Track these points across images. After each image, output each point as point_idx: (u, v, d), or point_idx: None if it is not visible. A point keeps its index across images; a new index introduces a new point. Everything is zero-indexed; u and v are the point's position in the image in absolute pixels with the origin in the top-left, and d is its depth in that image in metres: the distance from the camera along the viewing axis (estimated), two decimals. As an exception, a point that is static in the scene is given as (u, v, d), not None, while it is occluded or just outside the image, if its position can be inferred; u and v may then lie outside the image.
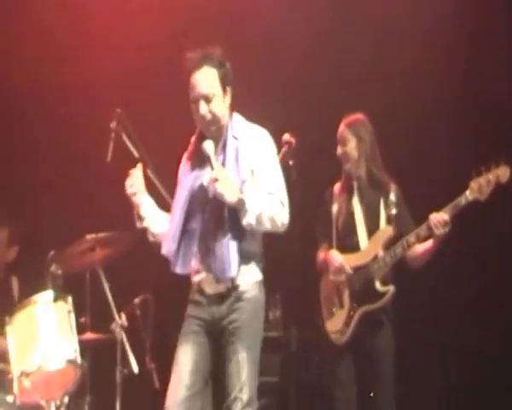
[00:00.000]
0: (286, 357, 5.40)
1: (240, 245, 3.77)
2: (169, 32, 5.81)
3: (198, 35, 5.45)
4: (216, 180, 3.72)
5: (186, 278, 3.93)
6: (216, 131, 3.83)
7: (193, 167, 3.90)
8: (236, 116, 3.91)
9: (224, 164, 3.81)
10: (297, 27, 5.78)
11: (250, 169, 3.82)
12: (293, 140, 4.46)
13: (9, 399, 4.45)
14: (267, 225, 3.78)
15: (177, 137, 4.19)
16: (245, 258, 3.79)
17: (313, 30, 5.76)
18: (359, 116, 4.74)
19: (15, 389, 4.40)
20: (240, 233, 3.77)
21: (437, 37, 5.62)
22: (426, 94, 5.64)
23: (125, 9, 5.85)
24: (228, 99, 3.84)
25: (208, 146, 3.78)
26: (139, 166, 3.95)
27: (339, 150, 4.69)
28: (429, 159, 5.58)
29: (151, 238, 3.98)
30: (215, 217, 3.78)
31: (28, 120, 5.86)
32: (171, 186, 4.15)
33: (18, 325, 4.52)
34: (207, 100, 3.77)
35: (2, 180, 5.84)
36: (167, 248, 3.84)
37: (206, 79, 3.77)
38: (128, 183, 3.90)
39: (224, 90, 3.82)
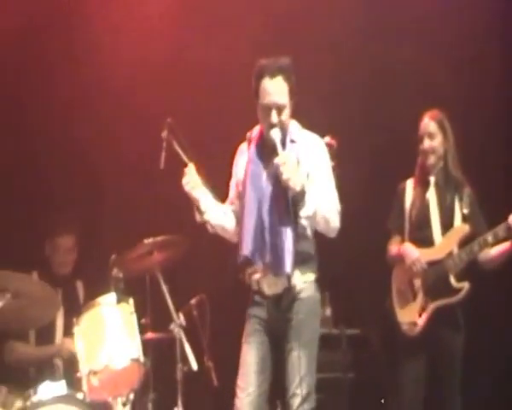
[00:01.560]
0: (337, 354, 5.77)
1: (295, 244, 4.13)
2: (216, 40, 6.22)
3: (240, 40, 6.03)
4: (283, 164, 4.04)
5: (238, 278, 4.34)
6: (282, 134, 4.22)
7: (259, 163, 4.27)
8: (293, 122, 4.30)
9: (275, 166, 4.13)
10: (337, 26, 6.14)
11: (306, 172, 4.18)
12: (334, 142, 4.73)
13: (79, 396, 4.81)
14: (321, 224, 4.17)
15: (225, 142, 4.68)
16: (300, 258, 4.17)
17: (353, 29, 6.11)
18: (440, 112, 5.05)
19: (84, 387, 4.80)
20: (297, 231, 4.13)
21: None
22: (484, 92, 5.92)
23: (172, 19, 6.22)
24: (290, 111, 4.25)
25: (275, 134, 4.15)
26: (190, 165, 4.40)
27: (426, 144, 4.98)
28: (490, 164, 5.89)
29: (210, 229, 4.42)
30: (280, 212, 4.13)
31: (85, 129, 6.26)
32: (220, 190, 4.55)
33: (85, 326, 4.93)
34: (279, 110, 4.19)
35: (69, 188, 6.27)
36: (247, 250, 4.17)
37: (280, 90, 4.18)
38: (184, 181, 4.32)
39: (291, 101, 4.23)
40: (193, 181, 4.33)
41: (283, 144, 4.18)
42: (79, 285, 5.83)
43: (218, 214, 4.39)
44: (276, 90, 4.17)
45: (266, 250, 4.15)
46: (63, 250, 5.70)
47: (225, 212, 4.41)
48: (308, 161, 4.21)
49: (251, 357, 4.23)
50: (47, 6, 6.12)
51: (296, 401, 4.14)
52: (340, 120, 5.67)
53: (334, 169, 4.54)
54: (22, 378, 5.39)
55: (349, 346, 5.79)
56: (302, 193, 4.07)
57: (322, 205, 4.14)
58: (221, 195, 4.55)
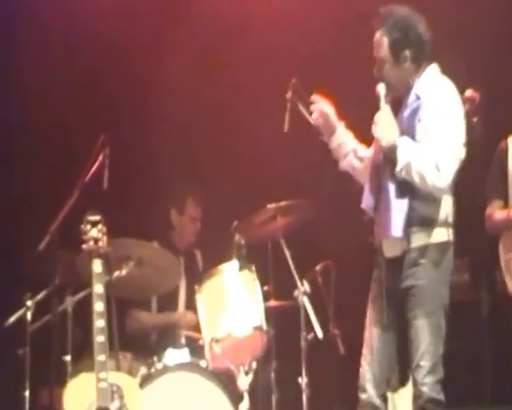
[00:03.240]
0: (476, 322, 5.83)
1: (411, 205, 4.19)
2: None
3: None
4: (375, 123, 4.22)
5: (367, 243, 4.44)
6: (397, 92, 4.36)
7: None
8: (428, 71, 4.36)
9: (402, 122, 4.29)
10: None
11: (425, 129, 4.23)
12: (476, 96, 4.70)
13: (203, 364, 5.09)
14: (416, 179, 4.17)
15: (354, 104, 4.82)
16: (420, 221, 4.21)
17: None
18: None
19: (207, 355, 5.04)
20: (411, 192, 4.19)
21: None
22: None
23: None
24: (406, 64, 4.31)
25: (380, 88, 4.30)
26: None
27: None
28: None
29: (342, 165, 4.54)
30: (389, 172, 4.23)
31: (206, 97, 6.55)
32: None
33: (207, 293, 5.16)
34: (379, 64, 4.34)
35: (189, 155, 6.60)
36: (365, 203, 4.35)
37: (378, 44, 4.32)
38: (316, 107, 4.46)
39: (396, 57, 4.30)
40: (323, 108, 4.47)
41: (407, 100, 4.27)
42: (198, 254, 6.10)
43: (350, 146, 4.52)
44: (375, 43, 4.33)
45: (379, 211, 4.27)
46: (193, 221, 5.98)
47: (357, 149, 4.53)
48: (428, 117, 4.26)
49: (373, 324, 4.34)
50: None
51: (420, 374, 4.20)
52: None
53: (476, 125, 4.65)
54: (144, 345, 5.67)
55: (490, 314, 5.84)
56: (392, 149, 4.20)
57: (418, 160, 4.18)
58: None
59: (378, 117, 4.27)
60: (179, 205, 6.01)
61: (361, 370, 4.36)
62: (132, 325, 5.79)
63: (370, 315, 4.37)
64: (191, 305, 5.50)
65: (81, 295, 4.94)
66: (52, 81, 6.35)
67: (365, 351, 4.35)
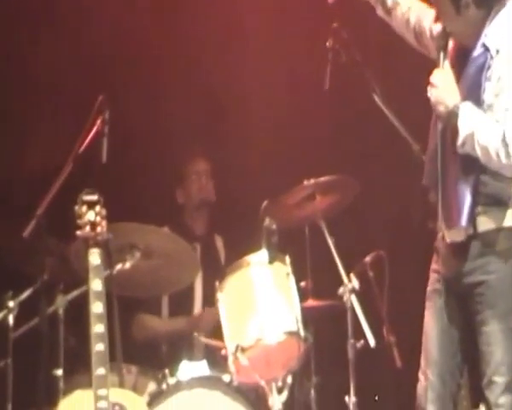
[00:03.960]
0: None
1: (479, 181, 3.88)
2: None
3: None
4: (432, 86, 3.94)
5: (428, 230, 4.14)
6: (463, 43, 3.98)
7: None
8: (503, 14, 3.94)
9: (466, 81, 3.93)
10: None
11: (495, 92, 3.89)
12: None
13: (226, 378, 4.74)
14: (479, 153, 3.88)
15: (408, 60, 4.55)
16: (489, 199, 3.89)
17: None
18: None
19: (231, 367, 4.73)
20: (479, 167, 3.87)
21: None
22: None
23: None
24: (470, 11, 3.92)
25: (442, 38, 4.01)
26: None
27: None
28: None
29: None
30: (450, 145, 3.92)
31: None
32: (403, 114, 4.49)
33: (230, 291, 4.88)
34: (438, 11, 4.00)
35: (215, 121, 6.31)
36: (427, 179, 4.06)
37: None
38: None
39: (455, 4, 3.93)
40: None
41: (472, 50, 3.94)
42: (219, 241, 5.91)
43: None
44: None
45: (441, 191, 3.98)
46: (196, 175, 5.78)
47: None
48: (500, 76, 3.91)
49: (430, 328, 4.03)
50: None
51: (494, 392, 3.85)
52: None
53: None
54: (153, 356, 5.51)
55: None
56: (452, 118, 3.91)
57: (484, 132, 3.88)
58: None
59: (435, 76, 3.99)
60: (182, 180, 5.84)
61: (419, 386, 4.05)
62: (139, 332, 5.64)
63: (427, 317, 4.08)
64: (210, 306, 5.32)
65: (75, 293, 4.72)
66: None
67: (423, 362, 4.06)
